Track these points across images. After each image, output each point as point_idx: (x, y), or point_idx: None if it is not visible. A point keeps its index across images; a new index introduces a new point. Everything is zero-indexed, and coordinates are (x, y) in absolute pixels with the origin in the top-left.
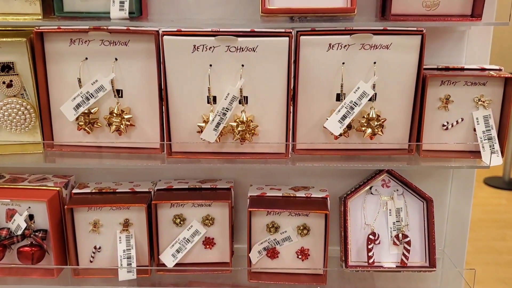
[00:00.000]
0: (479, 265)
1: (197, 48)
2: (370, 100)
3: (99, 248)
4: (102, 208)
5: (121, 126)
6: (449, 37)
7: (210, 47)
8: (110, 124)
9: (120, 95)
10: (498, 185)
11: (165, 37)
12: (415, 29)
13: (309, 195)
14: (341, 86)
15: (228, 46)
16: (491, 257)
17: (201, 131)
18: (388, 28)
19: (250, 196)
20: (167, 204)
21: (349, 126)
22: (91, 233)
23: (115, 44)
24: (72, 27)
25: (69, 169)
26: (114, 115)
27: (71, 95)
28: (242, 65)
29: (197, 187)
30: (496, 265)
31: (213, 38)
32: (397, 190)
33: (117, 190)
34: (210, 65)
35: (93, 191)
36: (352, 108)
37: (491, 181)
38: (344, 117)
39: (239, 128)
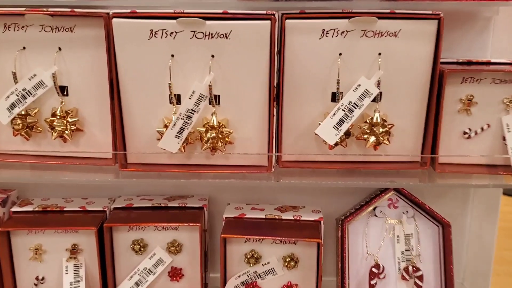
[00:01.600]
0: None
1: (155, 33)
2: (373, 100)
3: (42, 279)
4: (45, 231)
5: (66, 131)
6: (471, 25)
7: (172, 33)
8: (52, 129)
9: (64, 92)
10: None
11: (114, 19)
12: (430, 12)
13: (298, 218)
14: (337, 83)
15: (194, 32)
16: (502, 268)
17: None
18: (397, 11)
19: (225, 218)
20: (124, 227)
21: (348, 133)
22: (32, 261)
23: (58, 30)
24: (5, 10)
25: (10, 182)
26: (57, 117)
27: (5, 92)
28: (212, 56)
29: (163, 205)
30: (507, 276)
31: (174, 21)
32: (407, 212)
33: (64, 209)
34: (172, 56)
35: (36, 209)
36: (351, 111)
37: None
38: (341, 122)
39: (208, 135)
